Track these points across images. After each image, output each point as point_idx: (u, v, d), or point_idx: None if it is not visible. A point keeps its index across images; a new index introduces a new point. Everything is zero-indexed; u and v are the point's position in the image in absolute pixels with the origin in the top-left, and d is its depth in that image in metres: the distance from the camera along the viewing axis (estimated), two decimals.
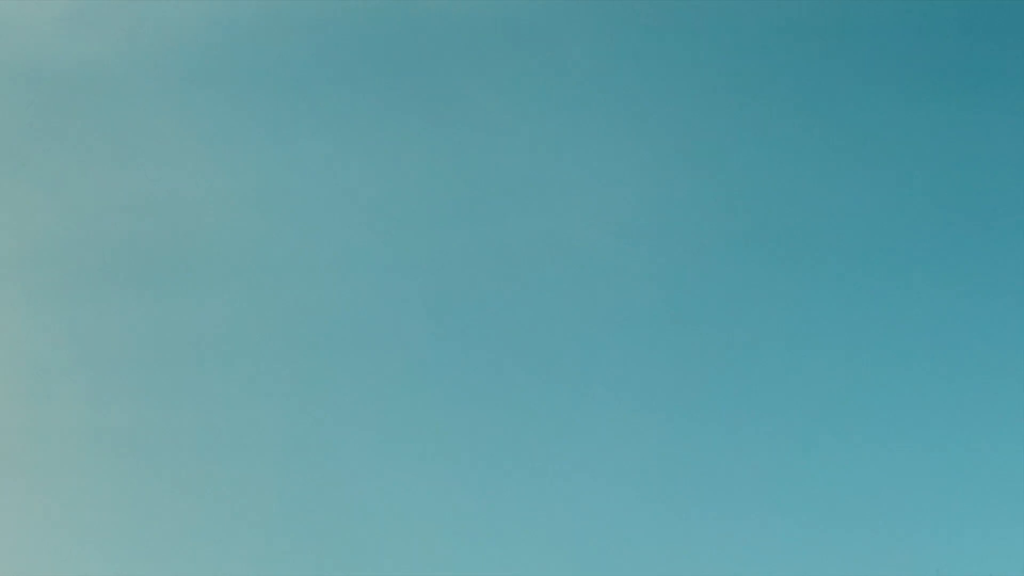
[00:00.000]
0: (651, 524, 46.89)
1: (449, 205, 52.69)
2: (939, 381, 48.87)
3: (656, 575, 43.79)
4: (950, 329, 50.04)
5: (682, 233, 52.39)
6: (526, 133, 52.97)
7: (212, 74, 52.65)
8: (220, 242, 51.15)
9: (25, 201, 51.32)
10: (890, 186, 52.58)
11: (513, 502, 47.88)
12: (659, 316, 52.72)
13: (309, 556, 46.49)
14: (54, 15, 50.51)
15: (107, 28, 50.39)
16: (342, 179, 52.04)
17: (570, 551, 45.88)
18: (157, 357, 50.47)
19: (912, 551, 44.48)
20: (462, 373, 51.34)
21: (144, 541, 47.04)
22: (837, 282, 51.10)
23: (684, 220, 52.55)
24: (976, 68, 51.66)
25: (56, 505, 47.31)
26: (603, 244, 52.12)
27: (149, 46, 50.47)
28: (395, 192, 52.30)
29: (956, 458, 46.89)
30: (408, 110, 53.00)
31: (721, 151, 53.19)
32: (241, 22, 52.06)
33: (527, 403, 50.85)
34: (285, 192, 51.82)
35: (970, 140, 50.70)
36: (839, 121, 52.62)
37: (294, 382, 49.73)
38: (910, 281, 50.63)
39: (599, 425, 49.77)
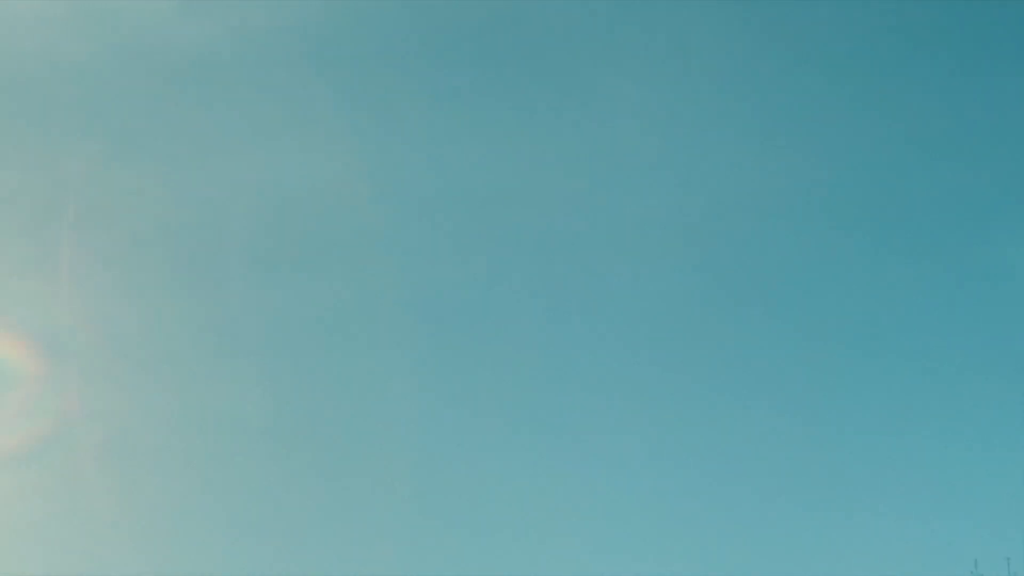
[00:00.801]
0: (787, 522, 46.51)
1: (560, 191, 51.86)
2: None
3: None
4: None
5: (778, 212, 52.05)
6: (635, 119, 52.37)
7: (326, 60, 51.94)
8: (338, 227, 50.26)
9: (145, 189, 50.47)
10: None
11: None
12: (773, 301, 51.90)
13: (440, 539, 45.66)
14: (168, 2, 49.75)
15: (221, 14, 49.68)
16: (456, 165, 51.21)
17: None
18: (282, 343, 49.71)
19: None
20: (576, 354, 50.52)
21: (278, 528, 46.14)
22: None
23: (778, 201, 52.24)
24: None
25: (189, 493, 46.44)
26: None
27: (263, 33, 49.79)
28: (508, 177, 51.46)
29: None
30: (516, 99, 52.40)
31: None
32: (353, 9, 51.40)
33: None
34: (400, 177, 51.07)
35: None
36: None
37: (416, 367, 48.84)
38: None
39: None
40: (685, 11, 51.75)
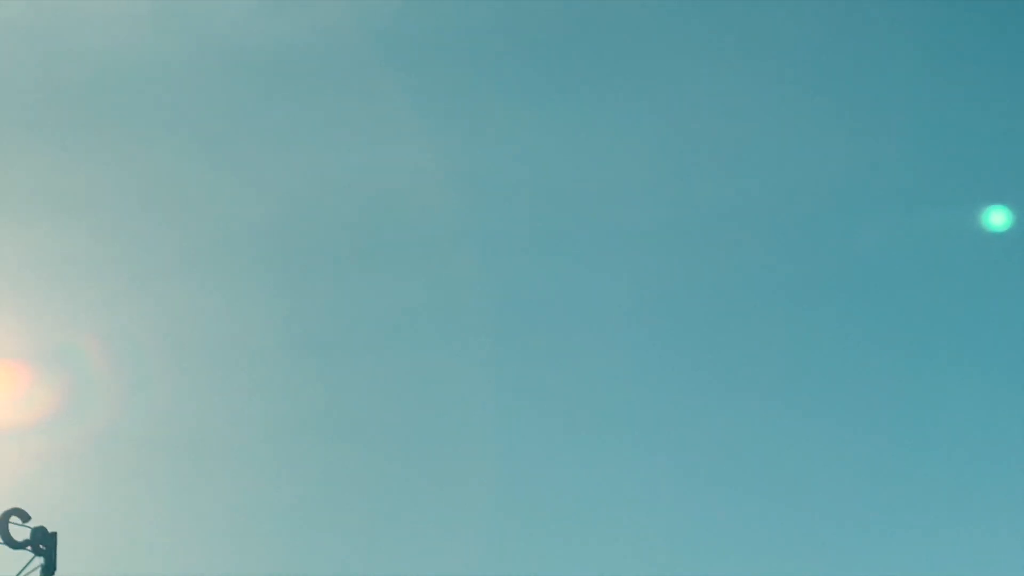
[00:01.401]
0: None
1: (640, 185, 51.73)
2: None
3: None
4: None
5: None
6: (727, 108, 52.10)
7: (407, 57, 52.12)
8: (419, 224, 50.53)
9: (227, 188, 50.95)
10: None
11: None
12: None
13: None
14: (249, 1, 49.98)
15: (302, 11, 49.87)
16: (537, 161, 51.25)
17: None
18: (363, 341, 50.08)
19: None
20: (656, 353, 50.42)
21: (351, 526, 46.61)
22: None
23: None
24: None
25: (271, 491, 47.00)
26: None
27: (344, 30, 49.91)
28: (589, 173, 51.35)
29: None
30: (595, 95, 52.26)
31: None
32: (431, 6, 51.45)
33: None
34: (482, 174, 51.16)
35: None
36: None
37: (497, 364, 49.02)
38: None
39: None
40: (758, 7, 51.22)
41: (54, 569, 34.31)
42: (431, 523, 46.14)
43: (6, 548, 34.06)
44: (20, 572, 34.23)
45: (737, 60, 52.16)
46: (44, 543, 34.31)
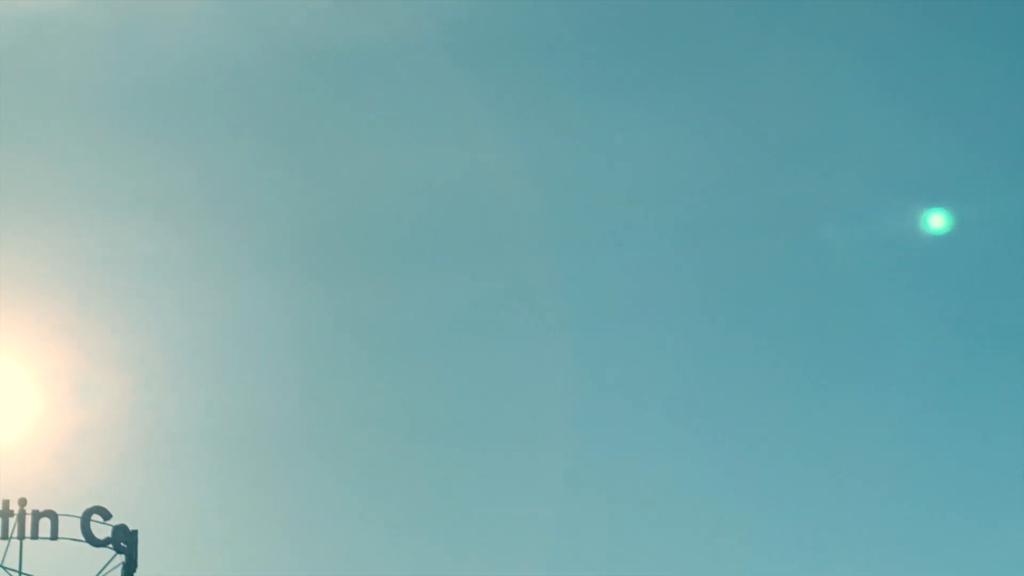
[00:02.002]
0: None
1: (726, 177, 51.61)
2: None
3: None
4: None
5: None
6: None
7: (476, 55, 52.25)
8: (489, 221, 50.63)
9: (298, 186, 51.35)
10: None
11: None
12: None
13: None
14: (322, 2, 50.37)
15: (373, 11, 50.14)
16: (606, 158, 51.21)
17: None
18: (434, 338, 50.29)
19: None
20: (732, 348, 50.30)
21: (429, 524, 46.91)
22: None
23: None
24: None
25: (337, 489, 47.31)
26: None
27: (414, 29, 50.14)
28: (660, 169, 51.22)
29: None
30: (663, 92, 52.21)
31: None
32: (500, 5, 51.58)
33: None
34: (550, 171, 51.18)
35: None
36: None
37: (567, 361, 49.04)
38: None
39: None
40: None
41: (135, 567, 34.71)
42: (506, 518, 46.23)
43: (88, 546, 34.52)
44: (102, 570, 34.68)
45: (809, 59, 51.83)
46: (125, 541, 34.70)
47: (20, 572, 34.30)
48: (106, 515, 34.68)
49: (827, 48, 51.58)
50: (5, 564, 34.26)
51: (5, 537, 34.20)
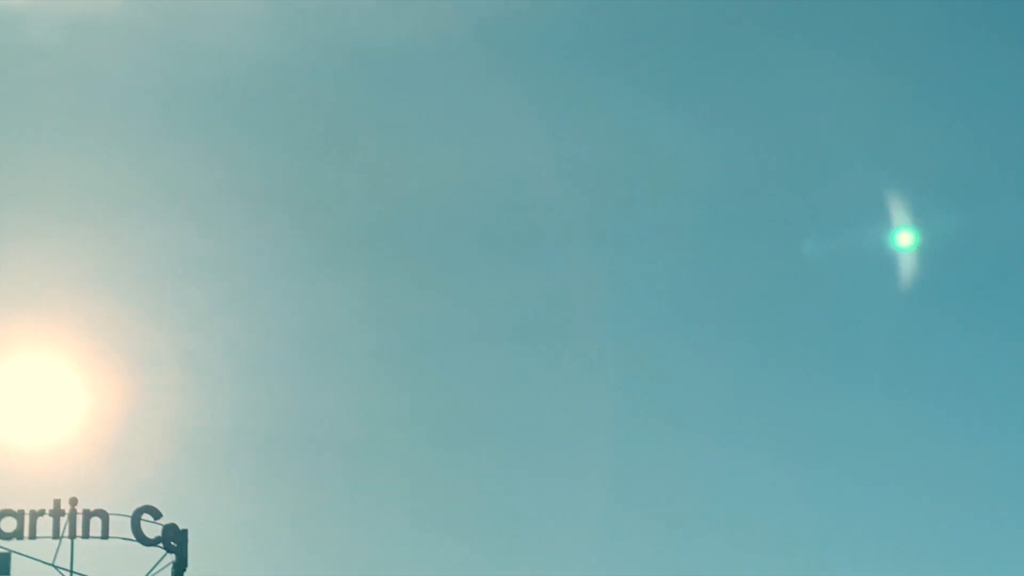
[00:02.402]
0: None
1: (773, 175, 51.40)
2: None
3: None
4: None
5: None
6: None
7: (525, 54, 52.18)
8: (546, 218, 50.49)
9: (354, 185, 51.40)
10: None
11: None
12: None
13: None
14: (372, 4, 50.39)
15: (421, 11, 50.15)
16: (666, 157, 50.99)
17: None
18: (493, 335, 50.32)
19: None
20: (784, 353, 50.04)
21: (494, 522, 46.88)
22: None
23: None
24: None
25: (389, 489, 47.37)
26: None
27: (462, 28, 50.14)
28: (712, 168, 51.04)
29: None
30: (714, 91, 52.05)
31: None
32: (545, 5, 51.51)
33: None
34: (607, 170, 51.01)
35: None
36: None
37: (620, 361, 48.90)
38: None
39: None
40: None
41: (185, 566, 34.76)
42: (555, 519, 46.10)
43: (138, 545, 34.58)
44: (152, 569, 34.75)
45: (855, 56, 51.52)
46: (175, 540, 34.77)
47: (72, 571, 34.42)
48: (156, 514, 34.76)
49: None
50: (57, 563, 34.39)
51: (57, 536, 34.36)
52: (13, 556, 34.15)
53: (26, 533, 34.14)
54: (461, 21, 49.89)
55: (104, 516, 34.57)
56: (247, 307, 50.01)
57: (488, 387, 49.63)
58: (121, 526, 34.66)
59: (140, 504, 34.77)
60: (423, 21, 49.84)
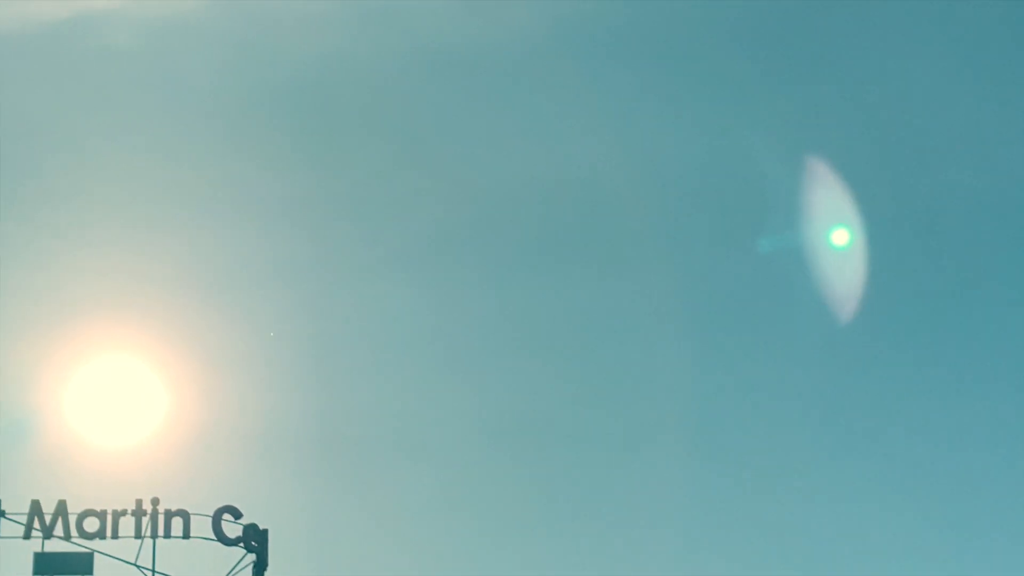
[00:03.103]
0: None
1: (867, 173, 51.03)
2: None
3: None
4: None
5: None
6: None
7: (601, 54, 52.10)
8: (622, 219, 50.43)
9: (429, 187, 51.61)
10: None
11: None
12: None
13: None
14: (449, 5, 50.59)
15: (500, 12, 50.25)
16: (742, 152, 50.77)
17: None
18: (561, 338, 50.33)
19: None
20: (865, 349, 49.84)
21: (565, 522, 46.95)
22: None
23: None
24: None
25: (468, 489, 47.57)
26: None
27: (540, 29, 50.15)
28: (798, 165, 50.85)
29: None
30: (798, 91, 51.78)
31: None
32: (622, 5, 51.44)
33: None
34: (680, 170, 50.90)
35: None
36: None
37: (693, 361, 48.82)
38: None
39: None
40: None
41: (266, 566, 34.90)
42: (631, 520, 45.96)
43: (219, 545, 34.76)
44: (233, 568, 34.91)
45: (918, 57, 51.04)
46: (256, 540, 34.92)
47: (154, 571, 34.64)
48: (237, 514, 34.93)
49: None
50: (139, 563, 34.63)
51: (139, 536, 34.58)
52: (96, 556, 34.50)
53: (109, 533, 34.43)
54: (536, 20, 49.86)
55: (185, 516, 34.77)
56: (324, 308, 50.20)
57: (562, 389, 49.57)
58: (202, 526, 34.86)
59: (221, 504, 34.96)
60: (506, 19, 49.85)
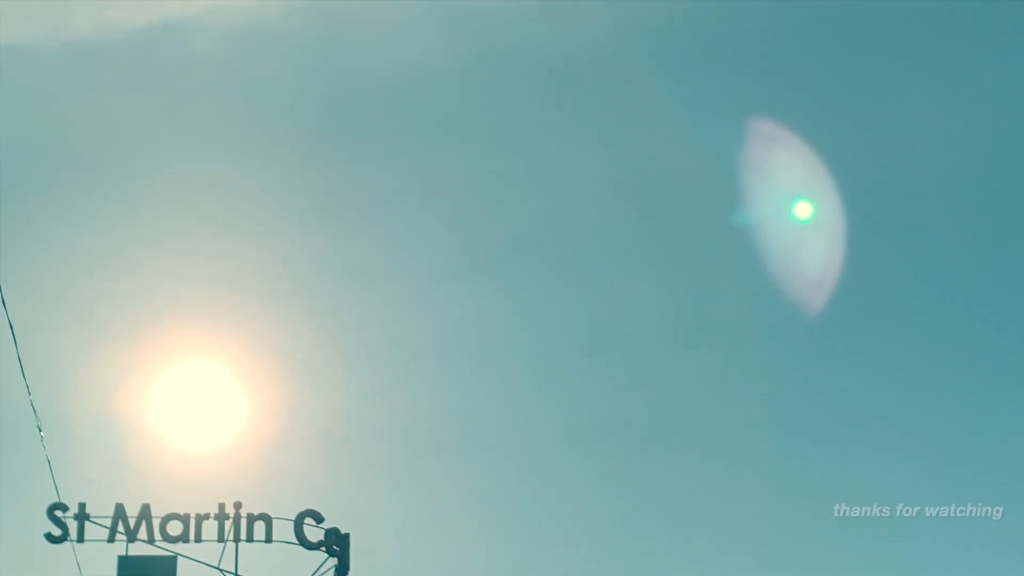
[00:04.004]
0: None
1: (958, 178, 50.66)
2: None
3: None
4: None
5: None
6: None
7: (679, 59, 52.19)
8: (703, 222, 50.46)
9: (510, 190, 51.86)
10: None
11: None
12: None
13: None
14: (529, 7, 50.82)
15: (580, 15, 50.41)
16: (816, 154, 50.57)
17: None
18: (637, 342, 50.39)
19: None
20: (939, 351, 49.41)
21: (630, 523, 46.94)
22: None
23: None
24: None
25: (548, 494, 47.81)
26: None
27: (620, 32, 50.23)
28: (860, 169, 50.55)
29: None
30: (891, 89, 51.49)
31: None
32: (703, 9, 51.38)
33: None
34: (758, 168, 50.82)
35: None
36: None
37: (763, 366, 48.67)
38: None
39: None
40: None
41: (347, 570, 34.96)
42: (711, 523, 45.73)
43: (301, 549, 34.87)
44: (315, 572, 35.00)
45: (976, 60, 50.45)
46: (338, 544, 34.99)
47: (236, 574, 34.78)
48: (319, 518, 35.02)
49: None
50: (222, 566, 34.78)
51: (221, 540, 34.74)
52: (179, 559, 34.69)
53: (191, 537, 34.62)
54: (619, 24, 49.76)
55: (267, 520, 34.90)
56: (405, 312, 50.30)
57: (645, 392, 49.41)
58: (284, 530, 34.97)
59: (302, 508, 35.06)
60: (585, 23, 49.81)
